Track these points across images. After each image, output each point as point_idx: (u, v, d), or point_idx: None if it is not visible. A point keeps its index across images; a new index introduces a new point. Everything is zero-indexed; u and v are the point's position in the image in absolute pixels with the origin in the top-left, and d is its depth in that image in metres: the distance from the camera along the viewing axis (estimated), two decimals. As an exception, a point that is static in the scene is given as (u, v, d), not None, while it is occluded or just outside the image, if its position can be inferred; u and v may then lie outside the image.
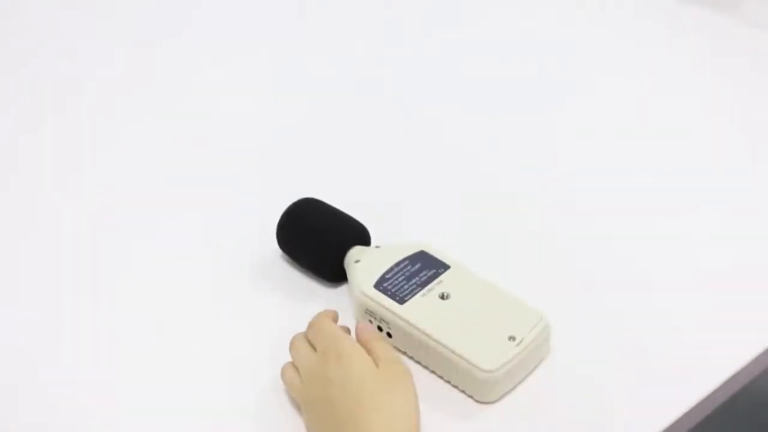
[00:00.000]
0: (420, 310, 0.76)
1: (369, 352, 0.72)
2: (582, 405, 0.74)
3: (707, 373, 0.76)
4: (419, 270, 0.79)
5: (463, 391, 0.74)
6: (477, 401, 0.74)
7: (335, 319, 0.77)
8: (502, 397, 0.74)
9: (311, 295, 0.83)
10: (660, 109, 1.03)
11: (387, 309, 0.76)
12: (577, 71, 1.09)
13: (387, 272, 0.79)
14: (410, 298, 0.77)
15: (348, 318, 0.79)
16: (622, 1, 1.18)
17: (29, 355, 0.80)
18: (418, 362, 0.76)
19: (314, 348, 0.74)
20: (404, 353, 0.77)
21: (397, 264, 0.79)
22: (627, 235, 0.87)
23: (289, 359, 0.75)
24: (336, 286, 0.83)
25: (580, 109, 0.98)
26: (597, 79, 1.08)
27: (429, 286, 0.78)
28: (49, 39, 1.18)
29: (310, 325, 0.76)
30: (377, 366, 0.71)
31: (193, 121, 1.04)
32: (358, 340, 0.74)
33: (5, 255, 0.89)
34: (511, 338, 0.73)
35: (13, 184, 0.97)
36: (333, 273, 0.83)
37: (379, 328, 0.77)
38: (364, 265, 0.80)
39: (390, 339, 0.77)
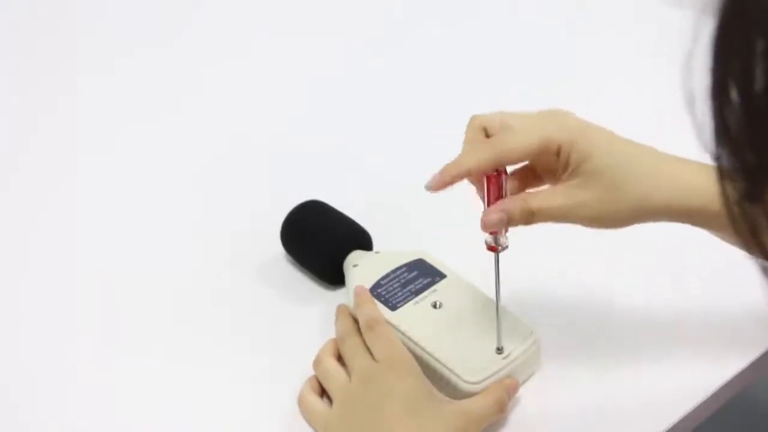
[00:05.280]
0: (410, 318, 0.76)
1: None
2: (570, 420, 0.73)
3: (696, 386, 0.75)
4: (415, 278, 0.79)
5: (449, 402, 0.74)
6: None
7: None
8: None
9: (313, 297, 0.83)
10: (660, 112, 1.01)
11: None
12: (579, 72, 1.07)
13: (383, 278, 0.78)
14: (402, 305, 0.77)
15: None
16: (624, 4, 1.17)
17: (29, 357, 0.80)
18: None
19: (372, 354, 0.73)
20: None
21: (394, 270, 0.79)
22: (625, 252, 0.86)
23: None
24: (338, 289, 0.83)
25: (582, 112, 0.97)
26: (599, 82, 1.06)
27: (423, 294, 0.77)
28: (49, 39, 1.18)
29: (368, 328, 0.74)
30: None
31: (197, 122, 1.05)
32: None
33: (7, 254, 0.90)
34: (499, 351, 0.73)
35: (13, 185, 0.98)
36: (333, 276, 0.83)
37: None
38: (361, 270, 0.80)
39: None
